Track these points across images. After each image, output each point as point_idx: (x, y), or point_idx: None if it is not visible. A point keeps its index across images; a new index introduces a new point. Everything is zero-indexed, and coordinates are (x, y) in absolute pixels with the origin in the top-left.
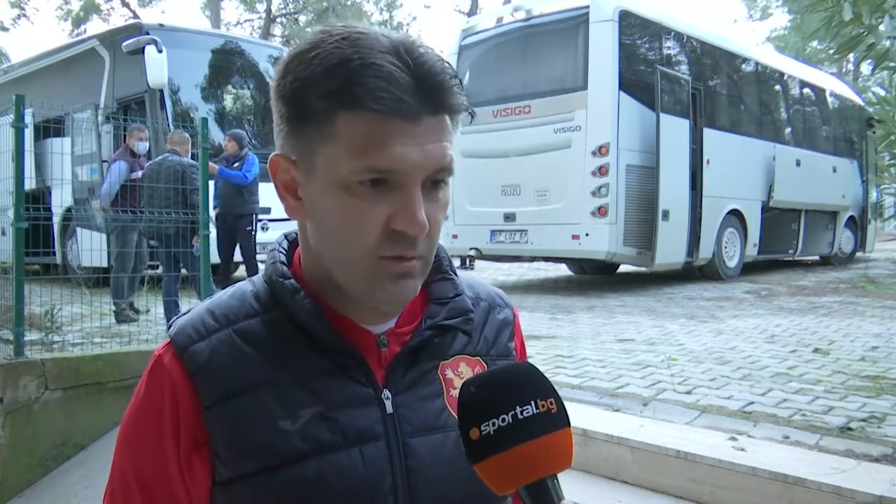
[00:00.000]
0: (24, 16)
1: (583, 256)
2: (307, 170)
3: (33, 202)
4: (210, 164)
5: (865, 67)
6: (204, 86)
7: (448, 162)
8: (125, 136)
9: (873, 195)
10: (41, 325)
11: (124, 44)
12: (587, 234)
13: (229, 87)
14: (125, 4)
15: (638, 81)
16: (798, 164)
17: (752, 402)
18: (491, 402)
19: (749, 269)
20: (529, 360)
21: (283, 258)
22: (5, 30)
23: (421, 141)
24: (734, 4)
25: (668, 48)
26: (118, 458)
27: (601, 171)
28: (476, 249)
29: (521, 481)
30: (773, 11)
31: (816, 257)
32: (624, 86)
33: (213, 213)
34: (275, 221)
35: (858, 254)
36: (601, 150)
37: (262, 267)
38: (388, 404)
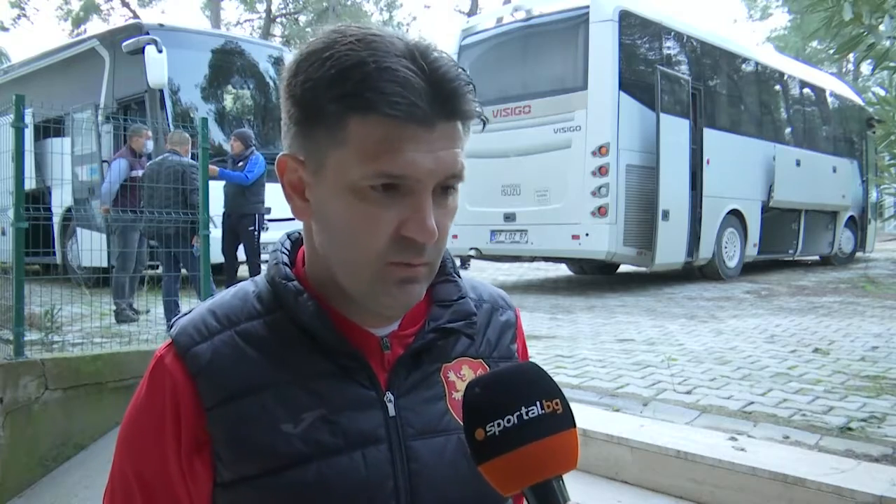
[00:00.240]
0: (24, 16)
1: (583, 256)
2: (316, 171)
3: (33, 202)
4: (210, 166)
5: (865, 67)
6: (204, 86)
7: (459, 169)
8: (125, 136)
9: (873, 195)
10: (41, 325)
11: (124, 44)
12: (587, 234)
13: (229, 87)
14: (125, 4)
15: (638, 81)
16: (798, 164)
17: (752, 402)
18: (496, 403)
19: (749, 269)
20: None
21: (285, 259)
22: (5, 30)
23: (433, 147)
24: (734, 4)
25: (668, 48)
26: (118, 458)
27: (601, 171)
28: (476, 249)
29: (526, 482)
30: (773, 11)
31: (816, 257)
32: (624, 86)
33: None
34: (275, 221)
35: (858, 254)
36: (601, 150)
37: (263, 267)
38: (391, 407)
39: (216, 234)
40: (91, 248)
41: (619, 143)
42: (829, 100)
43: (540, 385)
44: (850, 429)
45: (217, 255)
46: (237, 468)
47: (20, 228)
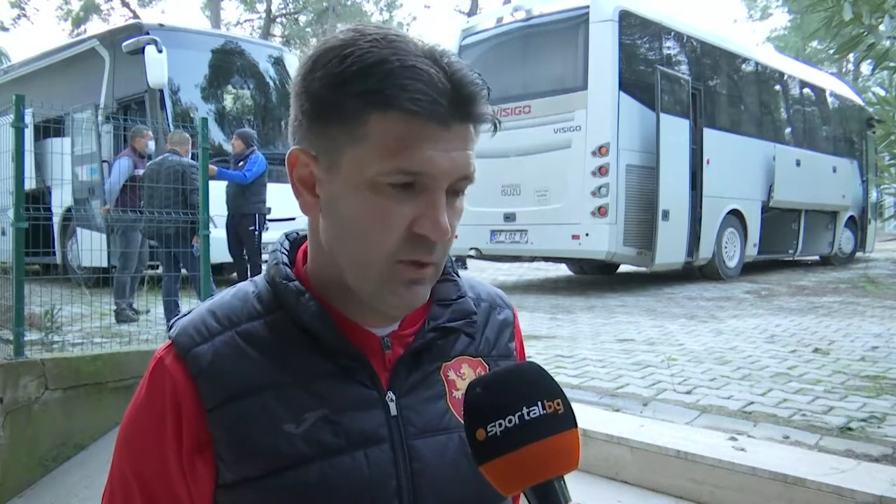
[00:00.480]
0: (24, 16)
1: (583, 256)
2: (329, 167)
3: (33, 202)
4: (210, 165)
5: (865, 67)
6: (204, 86)
7: (471, 171)
8: (125, 136)
9: (873, 195)
10: (41, 325)
11: (124, 44)
12: (587, 234)
13: (229, 87)
14: (125, 4)
15: (638, 81)
16: (798, 164)
17: (752, 402)
18: (497, 403)
19: (749, 269)
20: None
21: (285, 259)
22: (5, 30)
23: (449, 147)
24: (734, 4)
25: (668, 48)
26: (118, 459)
27: (601, 171)
28: (476, 249)
29: (527, 482)
30: (773, 11)
31: (816, 257)
32: (624, 86)
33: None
34: (275, 221)
35: (858, 254)
36: (601, 150)
37: (264, 267)
38: (393, 406)
39: (216, 234)
40: (91, 248)
41: (619, 143)
42: (829, 100)
43: (541, 385)
44: (850, 429)
45: (217, 256)
46: (239, 469)
47: (20, 228)
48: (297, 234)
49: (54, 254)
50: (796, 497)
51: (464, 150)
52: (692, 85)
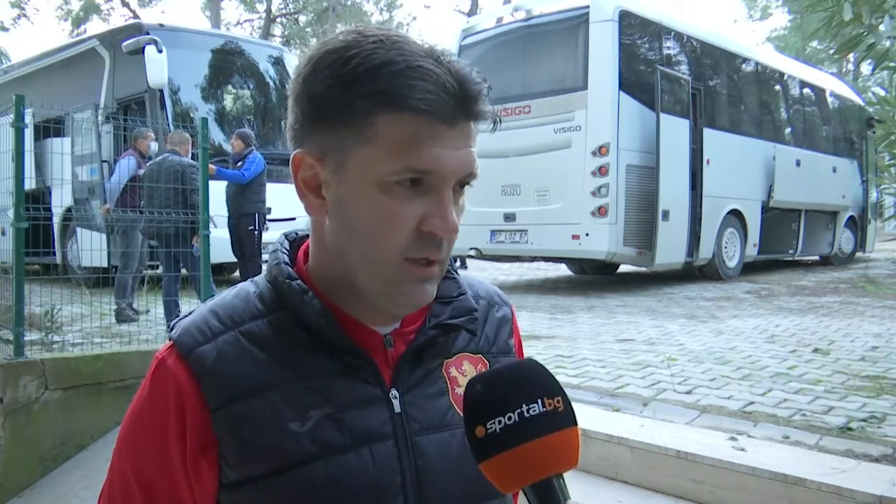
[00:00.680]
0: (24, 16)
1: (583, 256)
2: (336, 168)
3: (33, 202)
4: (210, 165)
5: (865, 67)
6: (204, 86)
7: (475, 168)
8: (125, 136)
9: (873, 195)
10: (41, 325)
11: (124, 44)
12: (587, 234)
13: (229, 87)
14: (125, 4)
15: (638, 81)
16: (798, 164)
17: (752, 402)
18: (497, 400)
19: (749, 269)
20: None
21: (286, 258)
22: (5, 30)
23: (454, 145)
24: (734, 4)
25: (668, 48)
26: (119, 459)
27: (601, 171)
28: (476, 249)
29: (526, 480)
30: (773, 11)
31: (816, 257)
32: (624, 86)
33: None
34: (275, 221)
35: (858, 254)
36: (601, 150)
37: (264, 267)
38: (396, 403)
39: (216, 234)
40: (91, 248)
41: (619, 143)
42: (829, 100)
43: (541, 382)
44: (850, 429)
45: (217, 256)
46: (244, 468)
47: (20, 228)
48: (297, 234)
49: (54, 254)
50: (796, 497)
51: (468, 148)
52: (692, 85)
